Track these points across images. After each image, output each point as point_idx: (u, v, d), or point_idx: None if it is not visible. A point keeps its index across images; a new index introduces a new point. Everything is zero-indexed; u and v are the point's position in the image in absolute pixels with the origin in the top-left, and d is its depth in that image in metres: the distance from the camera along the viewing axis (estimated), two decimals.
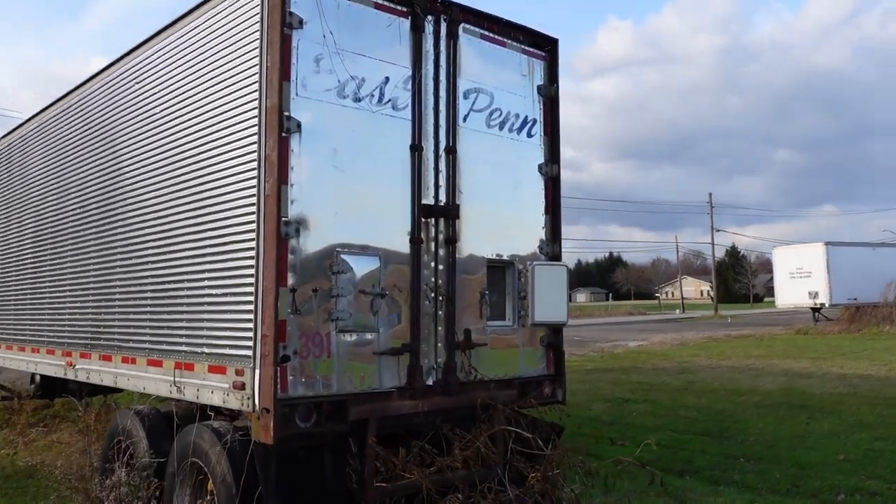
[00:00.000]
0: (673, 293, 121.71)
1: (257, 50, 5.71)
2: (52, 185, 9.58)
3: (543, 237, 7.40)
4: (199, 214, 6.30)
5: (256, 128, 5.66)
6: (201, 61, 6.46)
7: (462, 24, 6.81)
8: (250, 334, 5.54)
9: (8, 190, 11.30)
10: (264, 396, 5.35)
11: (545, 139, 7.49)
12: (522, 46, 7.36)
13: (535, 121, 7.40)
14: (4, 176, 11.55)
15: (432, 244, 6.45)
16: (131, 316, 7.25)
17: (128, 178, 7.55)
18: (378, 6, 6.24)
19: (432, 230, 6.46)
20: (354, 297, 5.86)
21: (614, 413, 13.93)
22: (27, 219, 10.31)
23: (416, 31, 6.45)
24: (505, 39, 7.21)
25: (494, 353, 6.85)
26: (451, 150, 6.61)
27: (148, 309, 6.96)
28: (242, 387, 5.56)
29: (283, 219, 5.49)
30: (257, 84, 5.69)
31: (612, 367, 22.22)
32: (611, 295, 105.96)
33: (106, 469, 7.24)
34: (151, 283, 6.91)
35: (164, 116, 6.98)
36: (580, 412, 13.94)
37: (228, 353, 5.79)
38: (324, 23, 5.82)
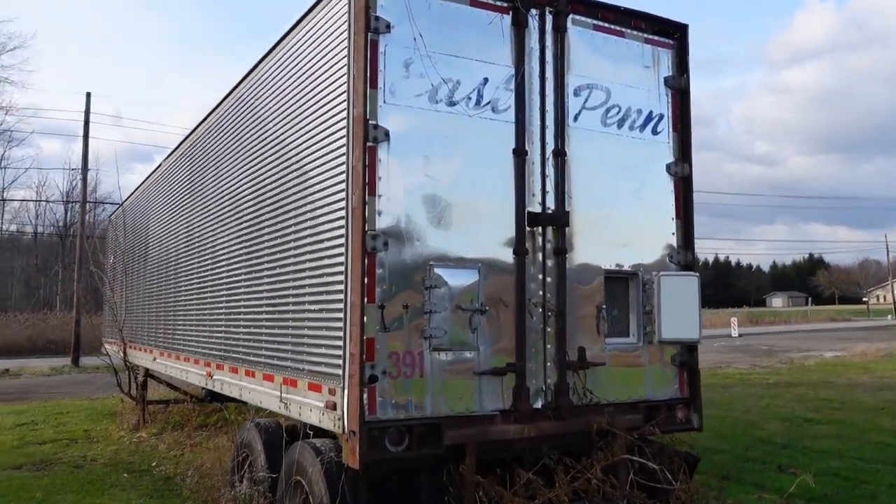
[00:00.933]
0: (884, 297, 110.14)
1: (346, 58, 5.54)
2: (191, 212, 10.09)
3: (674, 244, 6.66)
4: (301, 229, 6.24)
5: (345, 138, 5.48)
6: (301, 76, 6.42)
7: (571, 16, 6.27)
8: (340, 352, 5.36)
9: (160, 220, 12.13)
10: (351, 418, 5.14)
11: (674, 136, 6.75)
12: (645, 35, 6.68)
13: (661, 116, 6.68)
14: (163, 202, 12.35)
15: (539, 255, 5.97)
16: (252, 330, 7.36)
17: (248, 200, 7.70)
18: (475, 3, 5.87)
19: (539, 240, 5.98)
20: (450, 313, 5.51)
21: (791, 435, 12.52)
22: (174, 243, 10.97)
23: (519, 26, 6.00)
24: (623, 29, 6.57)
25: (615, 374, 6.23)
26: (560, 153, 6.09)
27: (264, 324, 7.02)
28: (334, 407, 5.40)
29: (370, 232, 5.27)
30: (346, 93, 5.51)
31: (798, 381, 20.21)
32: (810, 299, 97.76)
33: (233, 480, 7.41)
34: (267, 298, 6.96)
35: (274, 135, 7.03)
36: (751, 432, 12.70)
37: (324, 370, 5.65)
38: (414, 25, 5.55)
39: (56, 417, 16.14)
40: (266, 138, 7.23)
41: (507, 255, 5.82)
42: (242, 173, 7.92)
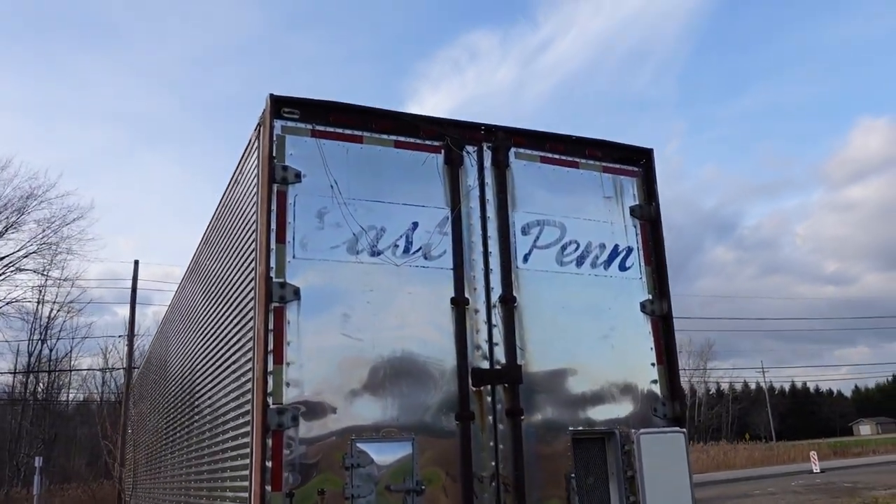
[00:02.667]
0: None
1: (256, 212, 5.09)
2: (160, 380, 9.62)
3: (658, 394, 5.76)
4: (217, 406, 5.62)
5: (254, 301, 4.93)
6: (226, 233, 6.02)
7: (513, 150, 5.77)
8: None
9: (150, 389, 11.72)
10: None
11: (647, 270, 6.02)
12: (603, 164, 6.12)
13: (629, 250, 5.99)
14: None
15: (489, 418, 5.16)
16: None
17: (184, 373, 7.21)
18: (400, 145, 5.43)
19: (488, 400, 5.19)
20: (378, 496, 4.69)
21: None
22: (155, 416, 10.47)
23: (452, 165, 5.52)
24: (577, 159, 6.03)
25: None
26: (508, 300, 5.40)
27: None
28: None
29: (275, 406, 4.59)
30: (255, 250, 5.01)
31: None
32: None
33: None
34: (193, 480, 6.26)
35: (206, 301, 6.58)
36: None
37: None
38: (329, 173, 5.10)
39: None
40: (201, 306, 6.78)
41: (449, 422, 5.03)
42: (188, 348, 7.46)
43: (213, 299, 6.41)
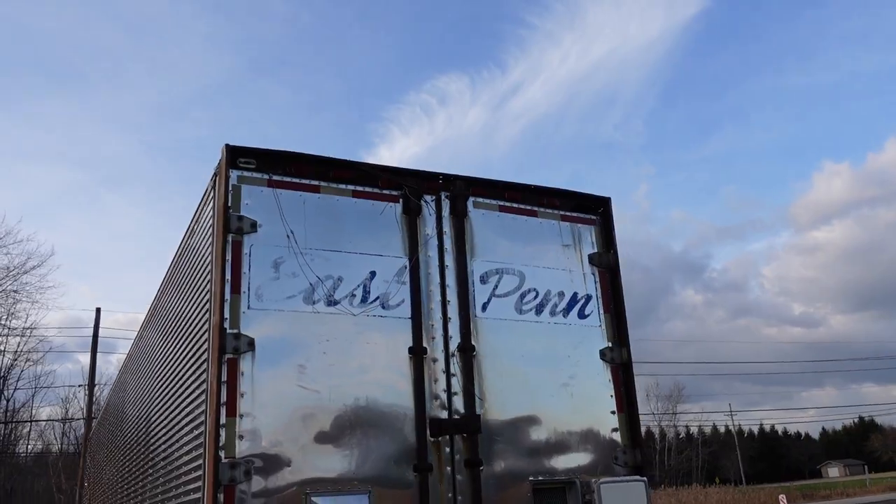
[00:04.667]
0: None
1: (211, 262, 5.05)
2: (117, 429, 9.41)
3: (619, 442, 5.74)
4: (169, 459, 5.49)
5: (207, 352, 4.86)
6: (182, 282, 5.95)
7: (471, 199, 5.82)
8: None
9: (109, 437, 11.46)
10: None
11: (606, 318, 6.05)
12: (561, 213, 6.18)
13: (588, 297, 6.03)
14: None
15: (447, 469, 5.10)
16: None
17: (138, 429, 7.04)
18: (358, 194, 5.44)
19: (446, 451, 5.13)
20: None
21: None
22: (111, 465, 10.20)
23: (410, 214, 5.54)
24: (535, 208, 6.09)
25: None
26: (466, 349, 5.38)
27: None
28: None
29: (228, 460, 4.48)
30: (210, 300, 4.96)
31: None
32: (866, 467, 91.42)
33: None
34: None
35: (162, 349, 6.48)
36: None
37: None
38: (285, 223, 5.09)
39: None
40: (158, 355, 6.66)
41: (407, 473, 4.96)
42: (144, 397, 7.31)
43: (168, 349, 6.30)
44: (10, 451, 48.90)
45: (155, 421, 6.55)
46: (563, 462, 5.50)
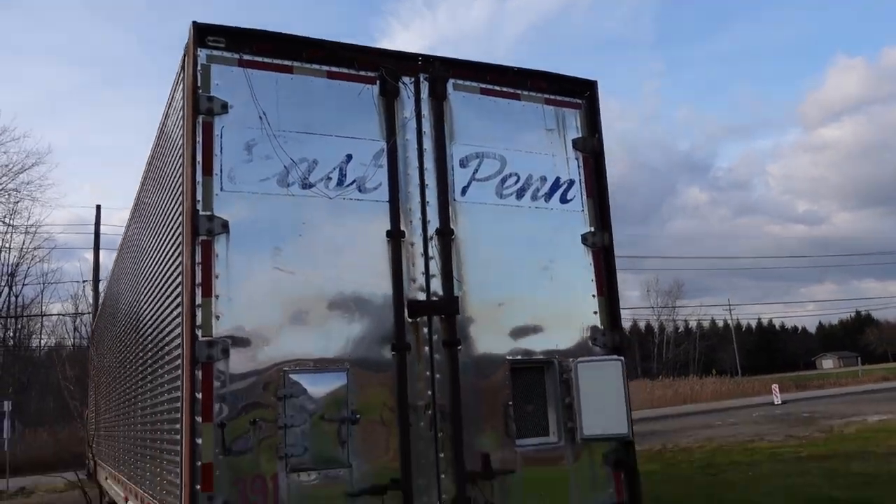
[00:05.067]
0: None
1: (183, 144, 4.97)
2: (114, 322, 9.55)
3: (598, 325, 5.81)
4: (155, 340, 5.58)
5: (183, 235, 4.85)
6: (158, 168, 5.89)
7: (452, 81, 5.66)
8: (178, 481, 4.58)
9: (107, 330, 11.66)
10: None
11: (589, 203, 6.00)
12: (545, 96, 6.03)
13: (571, 182, 5.96)
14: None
15: (426, 349, 5.19)
16: (129, 446, 6.67)
17: (130, 310, 7.14)
18: (333, 75, 5.30)
19: (424, 331, 5.21)
20: (311, 427, 4.72)
21: None
22: (109, 357, 10.42)
23: (388, 96, 5.41)
24: (518, 91, 5.93)
25: (531, 481, 5.32)
26: (445, 232, 5.37)
27: (138, 449, 6.30)
28: None
29: (204, 339, 4.56)
30: (182, 184, 4.91)
31: (832, 453, 18.59)
32: (860, 359, 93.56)
33: None
34: (137, 414, 6.27)
35: (146, 238, 6.49)
36: None
37: (170, 501, 4.86)
38: (257, 104, 4.97)
39: None
40: (142, 242, 6.69)
41: (385, 353, 5.05)
42: (132, 285, 7.38)
43: (150, 236, 6.32)
44: (24, 345, 50.26)
45: (142, 307, 6.64)
46: (542, 343, 5.58)
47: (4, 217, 40.62)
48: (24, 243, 44.89)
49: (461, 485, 5.03)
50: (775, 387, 44.65)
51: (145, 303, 6.40)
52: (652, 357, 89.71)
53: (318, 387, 4.81)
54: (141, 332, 6.60)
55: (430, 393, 5.12)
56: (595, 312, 5.81)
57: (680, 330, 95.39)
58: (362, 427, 4.86)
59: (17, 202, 40.52)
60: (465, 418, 5.15)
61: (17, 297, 46.46)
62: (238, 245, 4.76)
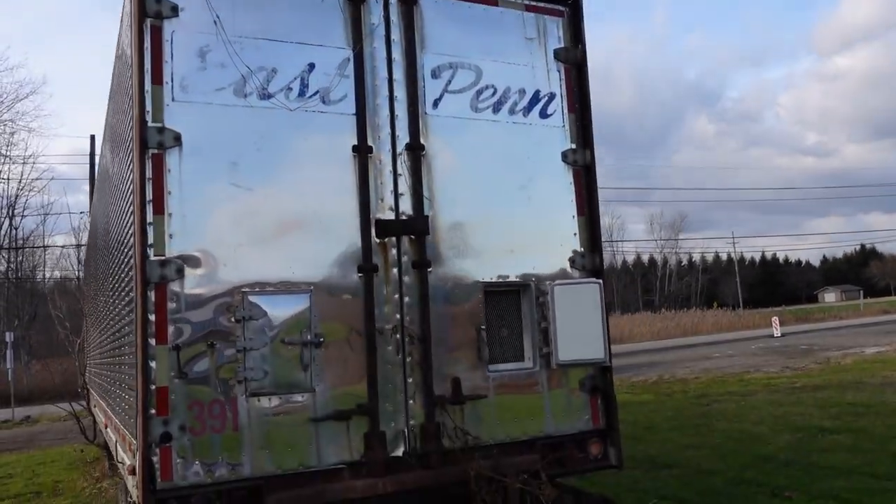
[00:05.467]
0: None
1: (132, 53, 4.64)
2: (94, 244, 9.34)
3: (577, 247, 5.56)
4: (118, 259, 5.36)
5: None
6: (115, 78, 5.57)
7: None
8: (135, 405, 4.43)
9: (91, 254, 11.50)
10: (139, 486, 4.19)
11: (571, 118, 5.68)
12: (526, 2, 5.64)
13: (551, 95, 5.63)
14: None
15: (393, 271, 4.96)
16: (105, 373, 6.54)
17: (102, 230, 6.90)
18: None
19: (393, 252, 4.97)
20: (272, 350, 4.53)
21: (800, 448, 11.15)
22: (93, 281, 10.26)
23: (354, 1, 5.04)
24: None
25: (504, 407, 5.16)
26: (415, 147, 5.08)
27: (108, 367, 6.16)
28: (134, 471, 4.44)
29: (157, 258, 4.33)
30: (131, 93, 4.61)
31: (827, 384, 18.60)
32: (862, 292, 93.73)
33: None
34: (108, 340, 6.11)
35: (111, 150, 6.20)
36: (755, 448, 11.35)
37: (132, 425, 4.72)
38: (210, 7, 4.62)
39: (35, 468, 15.54)
40: (108, 161, 6.40)
41: (350, 274, 4.82)
42: (103, 207, 7.14)
43: (112, 153, 6.04)
44: (28, 278, 50.46)
45: (110, 230, 6.42)
46: (518, 266, 5.34)
47: (1, 148, 40.26)
48: (22, 175, 44.58)
49: (430, 410, 4.88)
50: (775, 319, 44.78)
51: (111, 225, 6.17)
52: (654, 290, 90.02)
53: (280, 309, 4.60)
54: (109, 257, 6.40)
55: (398, 316, 4.91)
56: (575, 234, 5.56)
57: (683, 263, 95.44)
58: (326, 351, 4.67)
59: (13, 133, 40.06)
60: (435, 342, 4.96)
61: (16, 229, 46.39)
62: (192, 160, 4.49)
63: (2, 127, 39.75)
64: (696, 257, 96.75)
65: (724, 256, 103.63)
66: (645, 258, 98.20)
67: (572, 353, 5.20)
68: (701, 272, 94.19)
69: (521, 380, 5.26)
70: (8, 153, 41.70)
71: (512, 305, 5.37)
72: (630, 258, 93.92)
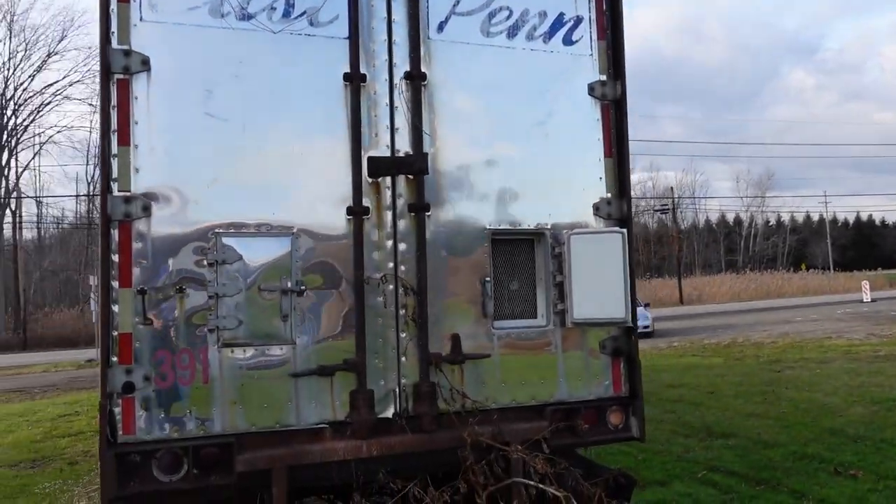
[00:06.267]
0: None
1: None
2: None
3: (604, 193, 4.95)
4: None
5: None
6: None
7: None
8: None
9: None
10: (100, 439, 3.90)
11: (600, 45, 5.01)
12: None
13: (578, 20, 4.96)
14: None
15: (387, 214, 4.48)
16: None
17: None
18: None
19: (387, 193, 4.48)
20: (248, 297, 4.15)
21: (873, 423, 10.27)
22: None
23: None
24: None
25: (510, 369, 4.66)
26: (415, 76, 4.53)
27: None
28: None
29: (122, 193, 3.97)
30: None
31: None
32: None
33: None
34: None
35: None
36: (823, 421, 10.53)
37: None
38: None
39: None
40: None
41: (339, 217, 4.37)
42: None
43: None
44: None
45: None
46: (533, 212, 4.77)
47: (90, 98, 41.30)
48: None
49: (424, 369, 4.42)
50: (865, 283, 42.37)
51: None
52: (738, 250, 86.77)
53: (258, 253, 4.20)
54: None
55: (391, 264, 4.44)
56: (601, 178, 4.94)
57: (770, 223, 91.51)
58: (309, 301, 4.26)
59: None
60: (432, 294, 4.48)
61: None
62: (162, 87, 4.08)
63: (92, 76, 40.67)
64: (785, 217, 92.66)
65: (815, 217, 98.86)
66: (730, 217, 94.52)
67: (589, 311, 4.63)
68: (789, 232, 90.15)
69: (532, 339, 4.73)
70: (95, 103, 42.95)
71: (525, 256, 4.83)
72: (714, 217, 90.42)
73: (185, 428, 4.01)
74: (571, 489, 4.38)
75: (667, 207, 65.21)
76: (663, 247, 74.34)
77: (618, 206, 4.94)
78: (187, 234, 4.08)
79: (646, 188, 77.80)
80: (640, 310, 29.14)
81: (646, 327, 28.43)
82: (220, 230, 4.12)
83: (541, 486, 4.32)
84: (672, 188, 66.67)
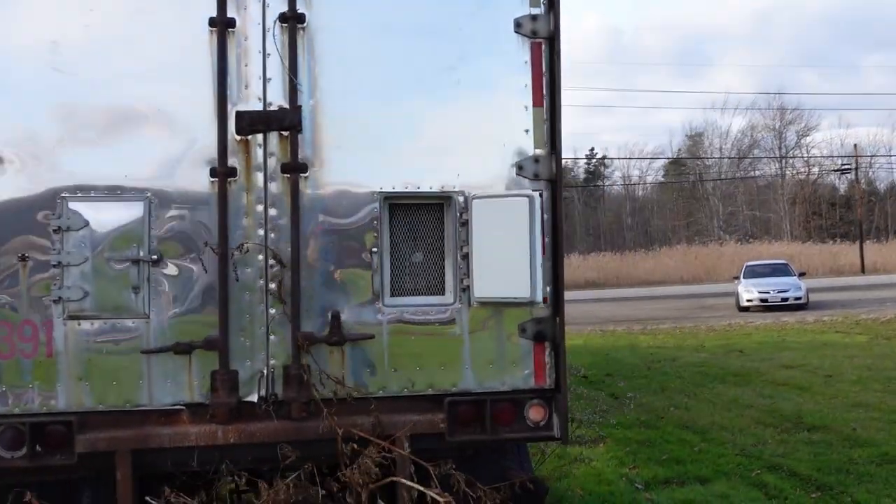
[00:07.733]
0: None
1: None
2: None
3: (531, 148, 4.17)
4: None
5: None
6: None
7: None
8: None
9: None
10: None
11: None
12: None
13: None
14: None
15: (257, 175, 3.99)
16: None
17: None
18: None
19: (257, 152, 3.99)
20: (94, 266, 3.85)
21: None
22: None
23: None
24: None
25: (404, 352, 4.06)
26: (290, 17, 3.97)
27: None
28: None
29: None
30: None
31: None
32: None
33: None
34: None
35: None
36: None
37: None
38: None
39: None
40: None
41: (201, 179, 3.94)
42: None
43: None
44: None
45: None
46: (439, 173, 4.10)
47: None
48: None
49: (295, 350, 3.93)
50: None
51: None
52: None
53: (107, 219, 3.87)
54: None
55: (260, 232, 3.97)
56: (527, 131, 4.15)
57: None
58: (167, 272, 3.89)
59: None
60: (309, 266, 3.97)
61: None
62: (1, 38, 3.82)
63: None
64: None
65: None
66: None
67: (489, 288, 3.93)
68: None
69: (431, 319, 4.09)
70: None
71: (432, 224, 4.17)
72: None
73: (28, 403, 3.80)
74: (461, 494, 3.77)
75: (848, 167, 59.02)
76: (850, 210, 67.48)
77: (547, 165, 4.14)
78: (30, 198, 3.82)
79: (833, 146, 70.68)
80: (792, 280, 26.88)
81: (798, 298, 26.04)
82: (66, 194, 3.83)
83: (418, 487, 3.74)
84: (855, 146, 60.05)
